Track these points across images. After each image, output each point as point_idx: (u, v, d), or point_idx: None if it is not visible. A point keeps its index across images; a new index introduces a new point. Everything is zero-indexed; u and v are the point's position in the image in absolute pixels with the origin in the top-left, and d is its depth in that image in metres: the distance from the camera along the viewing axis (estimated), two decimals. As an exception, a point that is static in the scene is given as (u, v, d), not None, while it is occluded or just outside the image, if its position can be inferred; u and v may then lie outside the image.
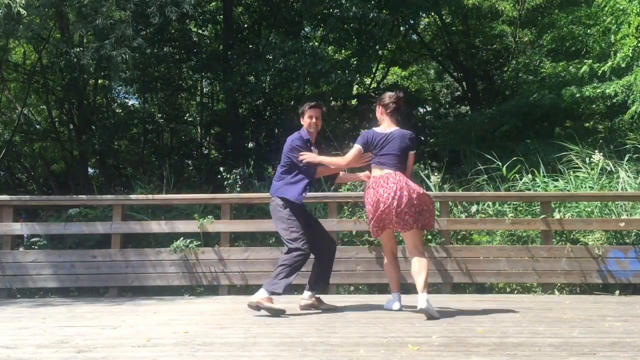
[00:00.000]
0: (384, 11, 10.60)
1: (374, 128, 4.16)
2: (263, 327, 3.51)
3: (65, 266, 5.39)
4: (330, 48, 12.26)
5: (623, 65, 7.49)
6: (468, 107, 15.62)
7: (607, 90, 7.98)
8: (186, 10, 8.01)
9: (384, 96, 4.19)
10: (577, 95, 8.84)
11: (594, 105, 10.46)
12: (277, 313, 3.90)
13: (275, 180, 4.27)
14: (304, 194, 4.11)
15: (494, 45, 14.86)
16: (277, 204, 4.15)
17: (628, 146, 7.30)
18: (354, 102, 14.56)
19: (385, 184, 3.86)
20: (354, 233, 5.64)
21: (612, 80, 7.98)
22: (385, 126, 4.10)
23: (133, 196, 6.08)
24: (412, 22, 14.27)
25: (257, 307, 3.93)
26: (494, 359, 2.62)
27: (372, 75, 14.73)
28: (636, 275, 5.13)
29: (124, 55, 7.58)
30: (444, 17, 14.81)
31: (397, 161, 3.96)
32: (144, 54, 9.45)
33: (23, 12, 6.41)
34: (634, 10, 7.15)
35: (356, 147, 4.07)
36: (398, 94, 4.19)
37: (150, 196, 6.11)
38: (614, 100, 8.42)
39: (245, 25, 12.17)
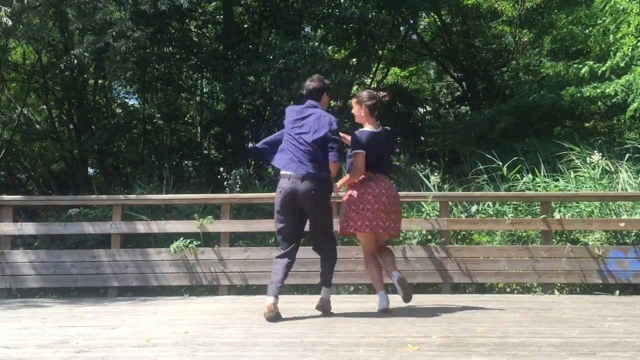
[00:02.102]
0: (384, 11, 10.60)
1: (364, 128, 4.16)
2: (263, 327, 3.51)
3: (65, 266, 5.39)
4: (330, 48, 12.25)
5: (622, 65, 7.49)
6: (468, 107, 15.62)
7: (607, 90, 7.98)
8: (180, 3, 7.94)
9: (365, 94, 4.20)
10: (577, 95, 8.85)
11: (593, 105, 10.47)
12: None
13: (315, 164, 3.88)
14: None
15: (494, 45, 14.86)
16: (325, 192, 3.98)
17: (628, 146, 7.30)
18: (354, 102, 14.53)
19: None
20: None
21: (612, 79, 7.99)
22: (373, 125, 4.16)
23: (133, 196, 6.08)
24: (411, 22, 14.26)
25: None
26: (494, 359, 2.62)
27: (372, 75, 14.73)
28: (636, 275, 5.13)
29: (124, 47, 7.54)
30: (443, 17, 14.82)
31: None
32: (144, 49, 9.42)
33: (9, 22, 6.40)
34: (633, 10, 7.16)
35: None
36: (378, 93, 4.27)
37: (150, 196, 6.11)
38: (614, 100, 8.43)
39: (245, 25, 12.15)
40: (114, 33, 7.46)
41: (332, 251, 4.10)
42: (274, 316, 3.70)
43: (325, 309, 3.99)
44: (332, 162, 3.90)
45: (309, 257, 5.08)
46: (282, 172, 3.93)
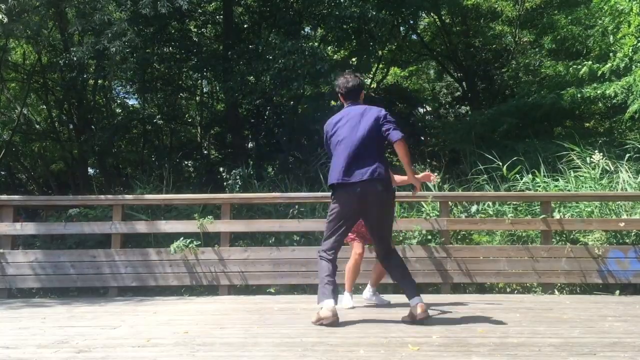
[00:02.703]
0: (384, 11, 10.60)
1: None
2: (263, 327, 3.51)
3: (65, 266, 5.39)
4: (330, 48, 12.25)
5: (622, 65, 7.49)
6: (468, 107, 15.62)
7: (607, 91, 7.99)
8: (180, 4, 7.91)
9: None
10: (578, 95, 8.85)
11: (594, 106, 10.47)
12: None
13: (377, 161, 3.50)
14: None
15: (494, 45, 14.86)
16: (390, 193, 3.58)
17: (628, 146, 7.30)
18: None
19: None
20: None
21: (612, 81, 7.99)
22: None
23: (133, 196, 6.08)
24: (412, 22, 14.26)
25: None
26: (494, 359, 2.62)
27: (372, 75, 14.72)
28: (636, 275, 5.13)
29: (114, 48, 7.52)
30: (443, 17, 14.82)
31: None
32: (144, 49, 9.41)
33: (4, 19, 6.42)
34: (633, 10, 7.16)
35: None
36: None
37: (150, 196, 6.11)
38: (614, 101, 8.43)
39: (245, 26, 12.15)
40: (110, 34, 7.47)
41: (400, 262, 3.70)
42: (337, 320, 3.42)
43: (413, 317, 3.54)
44: (396, 142, 3.47)
45: (309, 257, 5.11)
46: (336, 183, 3.53)
